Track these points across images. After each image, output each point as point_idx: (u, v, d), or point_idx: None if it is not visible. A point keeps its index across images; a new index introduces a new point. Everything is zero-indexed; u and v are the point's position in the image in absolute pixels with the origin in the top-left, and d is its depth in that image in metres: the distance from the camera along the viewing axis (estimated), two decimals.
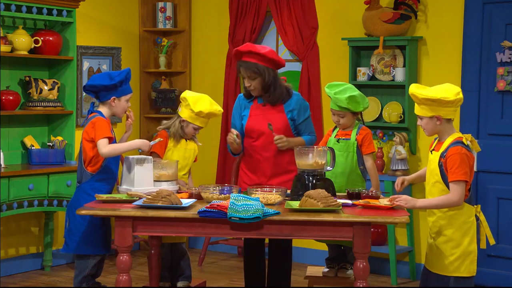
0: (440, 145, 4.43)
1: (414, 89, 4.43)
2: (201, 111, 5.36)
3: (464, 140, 4.37)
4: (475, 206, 4.43)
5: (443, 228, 4.41)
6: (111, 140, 5.07)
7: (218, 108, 5.45)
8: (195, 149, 5.56)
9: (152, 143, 5.30)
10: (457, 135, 4.41)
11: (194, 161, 5.61)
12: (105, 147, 5.00)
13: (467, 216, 4.38)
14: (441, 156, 4.38)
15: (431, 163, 4.45)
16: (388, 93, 6.71)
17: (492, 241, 4.51)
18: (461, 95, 4.38)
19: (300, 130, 5.33)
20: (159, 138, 5.37)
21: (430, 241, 4.50)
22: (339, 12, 6.97)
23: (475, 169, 6.23)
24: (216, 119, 7.53)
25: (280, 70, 7.26)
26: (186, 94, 5.43)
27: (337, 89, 5.23)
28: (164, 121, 5.57)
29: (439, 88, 4.42)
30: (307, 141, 5.32)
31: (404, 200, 4.43)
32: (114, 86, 5.11)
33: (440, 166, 4.37)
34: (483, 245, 4.53)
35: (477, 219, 4.44)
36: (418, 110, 4.45)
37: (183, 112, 5.41)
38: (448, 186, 4.35)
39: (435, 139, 4.55)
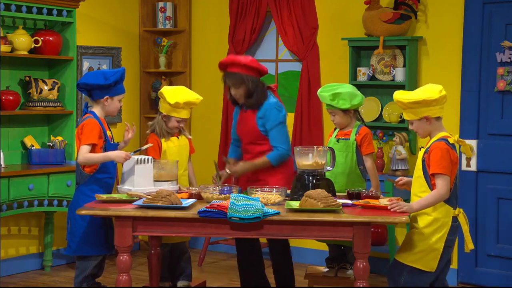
0: (428, 143, 4.55)
1: (398, 95, 4.55)
2: (177, 102, 5.37)
3: (450, 139, 4.47)
4: (456, 209, 4.50)
5: (416, 222, 4.53)
6: (99, 145, 5.07)
7: (195, 96, 5.49)
8: (186, 143, 5.57)
9: (136, 151, 5.29)
10: (444, 133, 4.52)
11: (191, 153, 5.62)
12: (82, 155, 5.03)
13: (441, 215, 4.47)
14: (425, 151, 4.50)
15: (418, 158, 4.58)
16: (388, 93, 6.71)
17: (471, 246, 4.60)
18: (444, 92, 4.49)
19: (269, 138, 5.35)
20: (149, 144, 5.37)
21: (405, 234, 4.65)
22: (339, 12, 6.96)
23: (474, 169, 6.24)
24: (216, 119, 7.53)
25: (280, 70, 7.34)
26: (162, 89, 5.47)
27: (326, 88, 5.31)
28: (150, 123, 5.59)
29: (422, 90, 4.55)
30: (271, 158, 5.30)
31: (403, 206, 4.48)
32: (108, 86, 5.11)
33: (423, 161, 4.49)
34: (467, 249, 4.59)
35: (455, 221, 4.50)
36: (406, 115, 4.57)
37: (162, 108, 5.45)
38: (427, 182, 4.46)
39: None
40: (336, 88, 5.30)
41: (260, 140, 5.35)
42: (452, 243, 4.52)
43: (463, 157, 6.24)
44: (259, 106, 5.30)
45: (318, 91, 5.35)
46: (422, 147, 4.58)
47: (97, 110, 5.16)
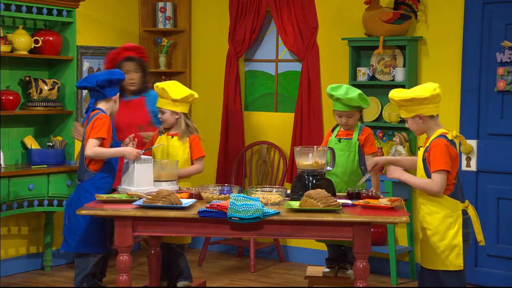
0: (427, 141, 4.55)
1: (392, 93, 4.61)
2: (157, 86, 5.43)
3: (448, 136, 4.48)
4: (464, 202, 4.50)
5: (428, 222, 4.51)
6: (106, 142, 5.06)
7: (165, 83, 5.47)
8: (185, 146, 5.43)
9: (147, 149, 5.29)
10: (442, 130, 4.53)
11: (202, 156, 5.50)
12: (91, 149, 5.01)
13: (450, 210, 4.45)
14: (425, 150, 4.51)
15: (418, 158, 4.59)
16: (388, 93, 6.68)
17: (480, 238, 4.56)
18: (438, 91, 4.50)
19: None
20: (159, 143, 5.37)
21: (420, 236, 4.61)
22: (339, 12, 6.96)
23: (474, 169, 6.24)
24: (216, 118, 7.53)
25: (280, 70, 7.34)
26: None
27: (341, 90, 5.26)
28: None
29: (416, 88, 4.59)
30: None
31: (393, 170, 4.61)
32: (118, 81, 5.18)
33: (423, 160, 4.50)
34: (481, 242, 4.57)
35: (465, 213, 4.49)
36: (401, 113, 4.62)
37: None
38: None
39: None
40: (349, 89, 5.28)
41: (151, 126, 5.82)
42: (468, 237, 4.49)
43: (463, 157, 6.24)
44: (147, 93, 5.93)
45: (343, 93, 5.24)
46: (421, 147, 4.59)
47: (105, 108, 5.16)
